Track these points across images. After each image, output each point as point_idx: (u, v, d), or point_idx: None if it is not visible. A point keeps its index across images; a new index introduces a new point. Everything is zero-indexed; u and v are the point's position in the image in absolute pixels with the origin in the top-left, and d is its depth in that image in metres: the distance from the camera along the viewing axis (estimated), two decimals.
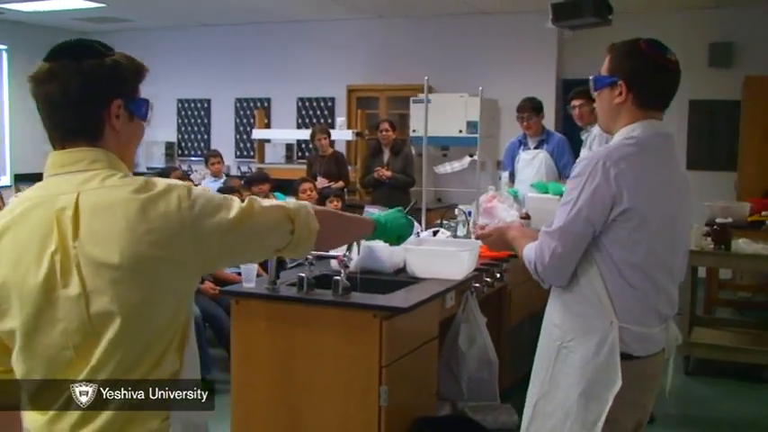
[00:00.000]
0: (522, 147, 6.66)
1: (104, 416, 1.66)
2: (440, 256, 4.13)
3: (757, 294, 7.36)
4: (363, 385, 3.46)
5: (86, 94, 1.70)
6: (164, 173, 8.15)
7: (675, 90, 2.54)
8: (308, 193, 7.05)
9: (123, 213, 1.63)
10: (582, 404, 2.47)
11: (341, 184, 8.31)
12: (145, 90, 1.79)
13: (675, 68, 2.51)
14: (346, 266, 3.65)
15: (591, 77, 2.58)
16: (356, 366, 3.47)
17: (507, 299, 4.99)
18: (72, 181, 1.68)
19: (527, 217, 5.63)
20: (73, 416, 1.66)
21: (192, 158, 11.44)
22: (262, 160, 10.23)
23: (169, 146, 11.60)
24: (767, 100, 7.73)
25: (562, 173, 6.41)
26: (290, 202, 1.96)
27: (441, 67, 9.86)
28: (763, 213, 6.66)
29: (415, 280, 4.05)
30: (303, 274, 3.67)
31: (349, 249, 3.69)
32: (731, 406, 5.19)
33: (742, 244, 5.78)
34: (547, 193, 6.13)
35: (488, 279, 4.44)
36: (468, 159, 9.20)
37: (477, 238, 2.81)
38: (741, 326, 6.58)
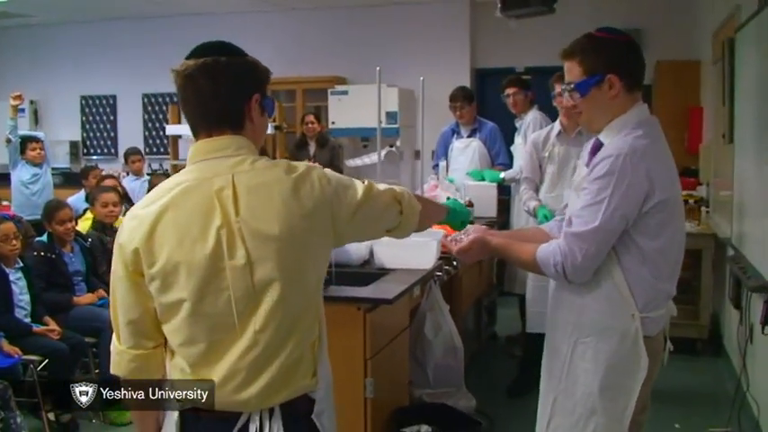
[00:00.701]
0: (455, 135, 6.77)
1: (270, 371, 1.89)
2: (411, 247, 4.15)
3: (683, 271, 7.67)
4: (349, 379, 3.45)
5: (235, 87, 1.92)
6: (83, 173, 7.89)
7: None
8: None
9: (278, 191, 1.87)
10: (608, 397, 2.50)
11: None
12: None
13: (636, 42, 2.58)
14: None
15: (569, 86, 2.53)
16: (340, 360, 3.39)
17: (459, 286, 5.06)
18: (223, 164, 1.89)
19: (470, 204, 5.71)
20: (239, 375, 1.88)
21: (98, 157, 11.08)
22: (176, 157, 10.00)
23: (73, 145, 11.20)
24: (678, 84, 8.02)
25: (495, 160, 6.54)
26: (393, 186, 2.19)
27: (355, 59, 9.87)
28: (683, 193, 6.93)
29: (385, 271, 4.07)
30: None
31: None
32: (671, 379, 5.38)
33: None
34: (483, 180, 6.25)
35: (447, 267, 4.50)
36: (385, 150, 9.27)
37: (456, 253, 2.73)
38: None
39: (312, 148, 8.01)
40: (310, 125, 7.97)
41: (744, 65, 4.75)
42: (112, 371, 1.98)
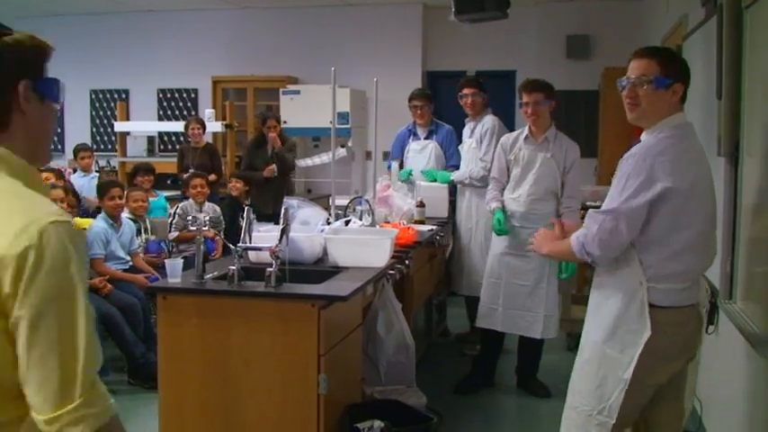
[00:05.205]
0: (411, 137, 6.73)
1: None
2: (364, 245, 4.18)
3: None
4: (302, 375, 3.46)
5: None
6: None
7: None
8: (199, 189, 6.90)
9: None
10: (616, 348, 2.89)
11: (214, 177, 8.18)
12: None
13: None
14: (278, 257, 3.64)
15: (646, 77, 2.87)
16: (294, 356, 3.47)
17: (410, 285, 5.11)
18: None
19: (422, 205, 5.77)
20: None
21: None
22: (124, 153, 9.88)
23: None
24: None
25: (448, 162, 6.55)
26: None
27: (307, 59, 9.91)
28: None
29: (338, 269, 4.09)
30: (233, 267, 3.63)
31: (280, 240, 3.68)
32: None
33: None
34: (435, 181, 6.29)
35: (400, 266, 4.53)
36: (340, 150, 9.29)
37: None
38: None
39: (270, 147, 7.90)
40: (273, 128, 7.84)
41: (691, 72, 4.86)
42: None
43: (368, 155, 9.62)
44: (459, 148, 6.31)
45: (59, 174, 7.18)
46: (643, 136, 2.97)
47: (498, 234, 5.15)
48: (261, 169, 7.79)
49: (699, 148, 2.98)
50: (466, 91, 6.05)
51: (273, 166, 7.70)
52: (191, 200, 6.91)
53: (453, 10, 4.76)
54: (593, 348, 2.99)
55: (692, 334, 3.01)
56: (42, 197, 1.57)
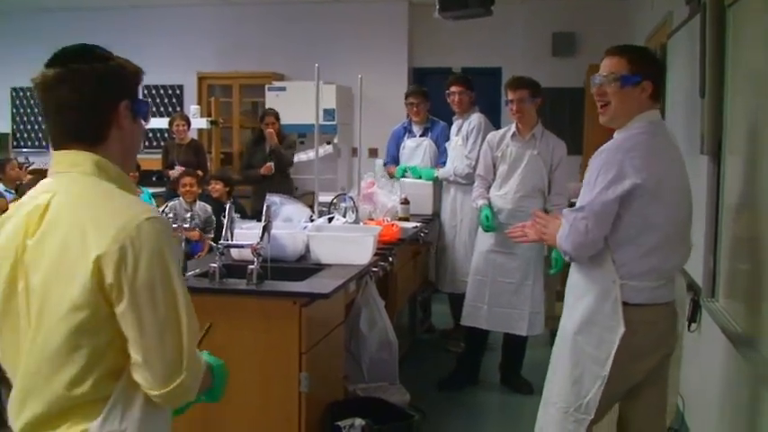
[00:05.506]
0: (406, 134, 6.69)
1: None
2: (346, 242, 4.17)
3: None
4: (283, 373, 3.45)
5: (98, 96, 1.77)
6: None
7: None
8: (188, 188, 6.85)
9: (70, 224, 1.70)
10: (593, 344, 2.89)
11: (199, 173, 8.13)
12: None
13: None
14: (259, 255, 3.62)
15: (614, 75, 2.86)
16: (275, 354, 3.46)
17: (394, 282, 5.10)
18: (57, 181, 1.79)
19: (406, 202, 5.76)
20: None
21: (30, 150, 10.81)
22: None
23: (3, 137, 10.95)
24: None
25: (439, 160, 6.51)
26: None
27: (293, 55, 9.86)
28: None
29: (321, 266, 4.08)
30: (214, 264, 3.61)
31: (262, 238, 3.67)
32: None
33: None
34: (420, 178, 6.28)
35: (383, 263, 4.52)
36: (327, 147, 9.26)
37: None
38: None
39: (268, 145, 7.83)
40: (271, 125, 7.78)
41: (675, 70, 4.88)
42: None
43: (354, 151, 9.58)
44: (447, 145, 6.30)
45: (44, 172, 7.07)
46: (615, 134, 2.97)
47: (486, 230, 5.14)
48: (260, 167, 7.74)
49: (673, 147, 2.98)
50: (453, 89, 6.03)
51: (271, 164, 7.65)
52: (181, 198, 6.86)
53: (437, 7, 4.74)
54: (567, 343, 3.00)
55: (666, 332, 3.01)
56: (136, 198, 1.82)
